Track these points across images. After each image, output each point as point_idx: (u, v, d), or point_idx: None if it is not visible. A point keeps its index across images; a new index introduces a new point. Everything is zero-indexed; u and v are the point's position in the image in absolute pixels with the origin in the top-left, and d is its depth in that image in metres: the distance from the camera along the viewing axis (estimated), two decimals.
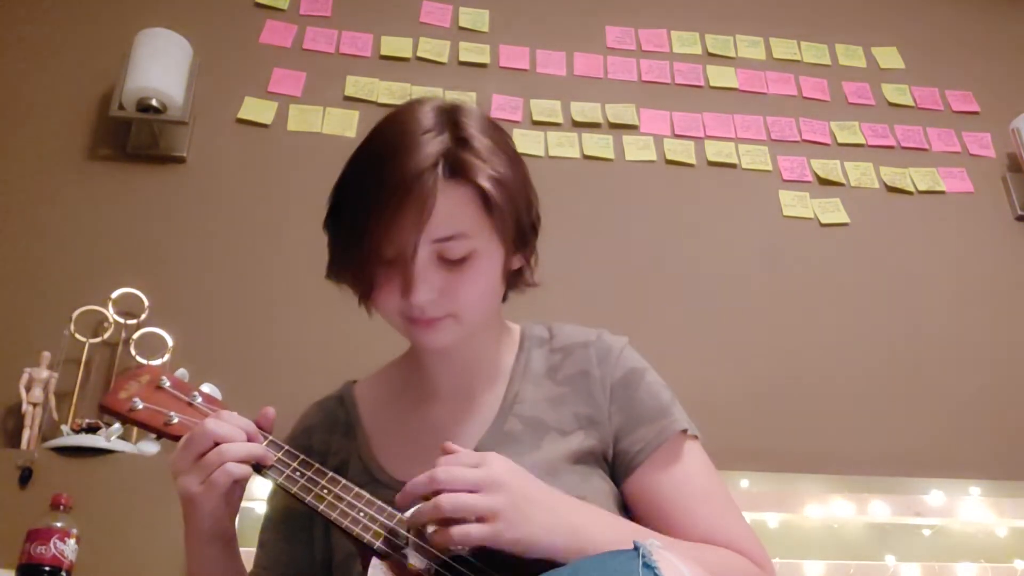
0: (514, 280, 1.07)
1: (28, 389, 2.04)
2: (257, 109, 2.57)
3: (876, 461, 2.30)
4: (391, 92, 2.63)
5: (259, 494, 1.76)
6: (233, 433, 0.93)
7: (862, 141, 2.82)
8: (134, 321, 2.19)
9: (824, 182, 2.73)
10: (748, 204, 2.66)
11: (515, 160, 1.03)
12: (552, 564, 0.83)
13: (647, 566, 0.83)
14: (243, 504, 0.99)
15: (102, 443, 1.90)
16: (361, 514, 0.92)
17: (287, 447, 0.98)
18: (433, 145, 0.95)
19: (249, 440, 0.95)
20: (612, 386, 1.05)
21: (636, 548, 0.85)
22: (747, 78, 2.87)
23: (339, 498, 0.93)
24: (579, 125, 2.70)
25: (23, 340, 2.13)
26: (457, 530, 0.83)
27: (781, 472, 2.25)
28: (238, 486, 0.94)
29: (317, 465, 0.97)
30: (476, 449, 1.01)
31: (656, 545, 0.88)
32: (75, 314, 2.15)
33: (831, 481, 2.26)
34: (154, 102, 2.37)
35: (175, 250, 2.36)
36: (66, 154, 2.45)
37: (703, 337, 2.44)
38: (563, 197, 2.35)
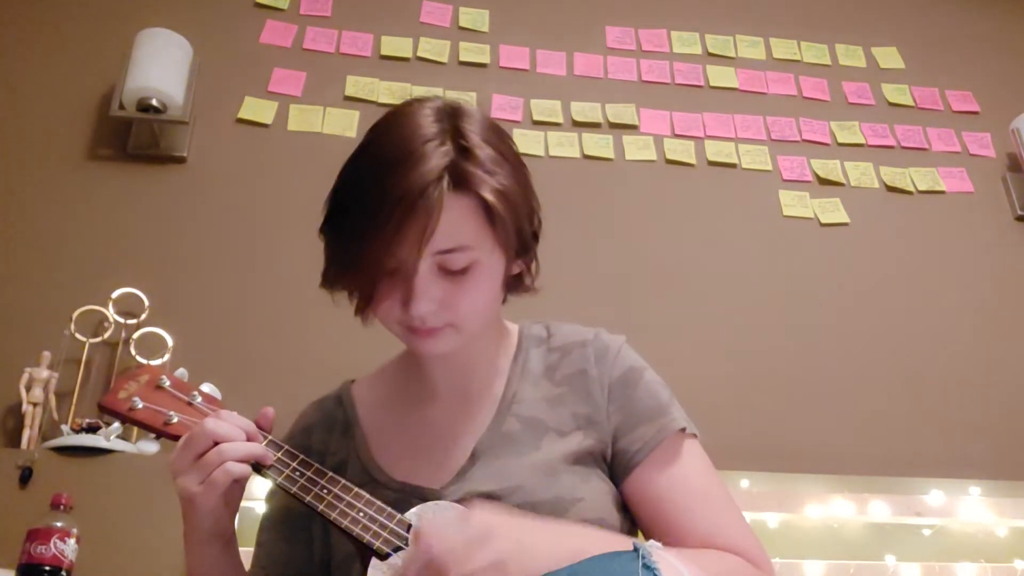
0: (513, 285, 1.07)
1: (28, 389, 2.04)
2: (257, 109, 2.57)
3: (876, 461, 2.30)
4: (391, 92, 2.63)
5: (258, 494, 1.76)
6: (233, 433, 0.93)
7: (862, 141, 2.82)
8: (134, 321, 2.19)
9: (824, 182, 2.73)
10: (748, 204, 2.66)
11: (518, 168, 1.02)
12: None
13: (647, 567, 0.83)
14: (242, 504, 0.99)
15: (102, 443, 1.91)
16: (360, 514, 0.92)
17: (286, 447, 0.98)
18: (437, 156, 0.94)
19: (249, 440, 0.95)
20: (610, 385, 1.05)
21: (636, 549, 0.85)
22: (747, 78, 2.87)
23: (338, 498, 0.93)
24: (579, 125, 2.70)
25: (23, 340, 2.14)
26: None
27: (781, 472, 2.25)
28: (238, 486, 0.94)
29: (316, 465, 0.97)
30: (476, 448, 1.02)
31: (656, 546, 0.88)
32: (75, 314, 2.15)
33: (831, 481, 2.25)
34: (154, 102, 2.37)
35: (175, 250, 2.36)
36: (66, 154, 2.45)
37: (702, 336, 2.44)
38: (563, 197, 2.35)
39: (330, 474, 0.96)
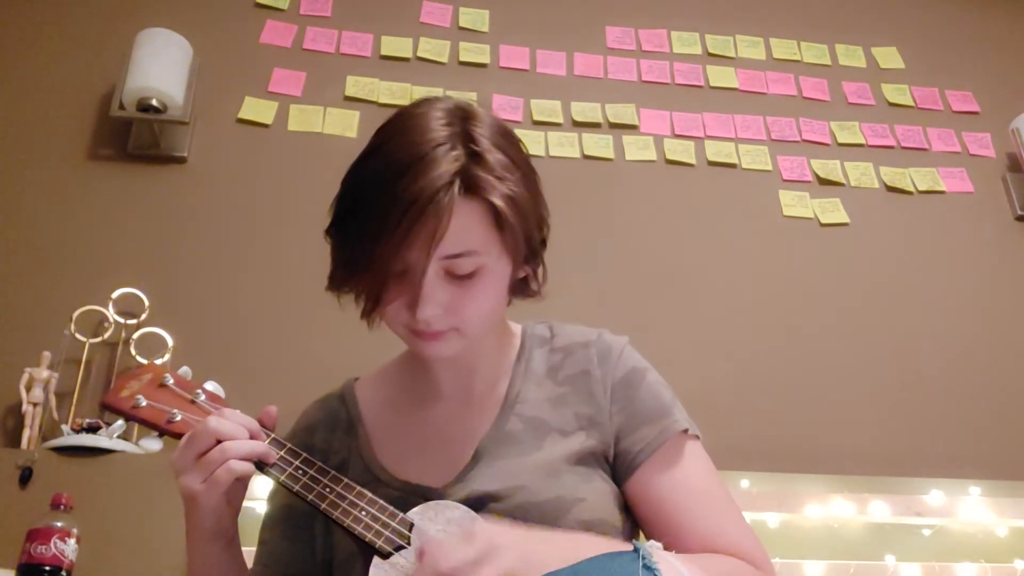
0: (519, 289, 1.06)
1: (28, 389, 2.04)
2: (257, 109, 2.57)
3: (876, 461, 2.30)
4: (391, 92, 2.63)
5: (260, 493, 1.76)
6: (235, 431, 0.93)
7: (862, 141, 2.82)
8: (134, 321, 2.19)
9: (824, 182, 2.73)
10: (748, 204, 2.66)
11: (528, 174, 1.02)
12: None
13: (647, 567, 0.83)
14: (244, 503, 0.99)
15: (102, 443, 1.90)
16: (363, 513, 0.92)
17: (289, 445, 0.98)
18: (447, 161, 0.93)
19: (252, 438, 0.95)
20: (613, 386, 1.05)
21: (636, 550, 0.86)
22: (747, 78, 2.87)
23: (341, 497, 0.93)
24: (579, 125, 2.70)
25: (23, 340, 2.13)
26: None
27: (781, 472, 2.25)
28: (240, 484, 0.94)
29: (319, 464, 0.97)
30: (478, 448, 1.02)
31: (656, 546, 0.88)
32: (75, 314, 2.15)
33: (831, 481, 2.25)
34: (154, 102, 2.37)
35: (175, 250, 2.36)
36: (66, 154, 2.45)
37: (703, 337, 2.44)
38: (563, 197, 2.33)
39: (332, 473, 0.96)
